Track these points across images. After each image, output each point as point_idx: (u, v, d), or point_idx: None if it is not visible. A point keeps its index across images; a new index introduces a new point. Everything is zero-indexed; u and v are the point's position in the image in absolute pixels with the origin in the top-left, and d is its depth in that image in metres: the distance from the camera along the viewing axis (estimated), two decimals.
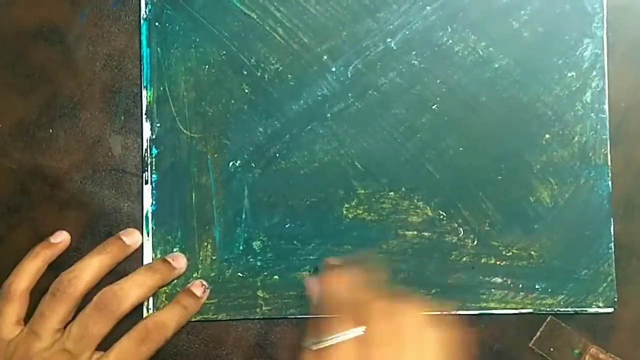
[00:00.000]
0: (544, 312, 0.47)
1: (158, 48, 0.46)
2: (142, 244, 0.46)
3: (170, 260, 0.46)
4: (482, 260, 0.47)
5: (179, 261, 0.46)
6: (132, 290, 0.43)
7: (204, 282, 0.46)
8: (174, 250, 0.46)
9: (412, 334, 0.36)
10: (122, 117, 0.47)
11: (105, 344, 0.43)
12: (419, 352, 0.36)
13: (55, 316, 0.42)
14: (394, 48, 0.47)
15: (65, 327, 0.43)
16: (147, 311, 0.45)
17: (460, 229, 0.47)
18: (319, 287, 0.41)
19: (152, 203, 0.46)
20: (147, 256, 0.46)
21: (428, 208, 0.47)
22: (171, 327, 0.44)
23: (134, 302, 0.43)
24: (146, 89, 0.46)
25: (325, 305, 0.39)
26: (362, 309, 0.37)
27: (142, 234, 0.46)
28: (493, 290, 0.47)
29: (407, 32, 0.47)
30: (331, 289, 0.39)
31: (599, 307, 0.47)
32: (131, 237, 0.46)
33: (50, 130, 0.46)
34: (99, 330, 0.42)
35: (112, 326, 0.42)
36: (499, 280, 0.47)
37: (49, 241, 0.45)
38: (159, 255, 0.46)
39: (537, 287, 0.47)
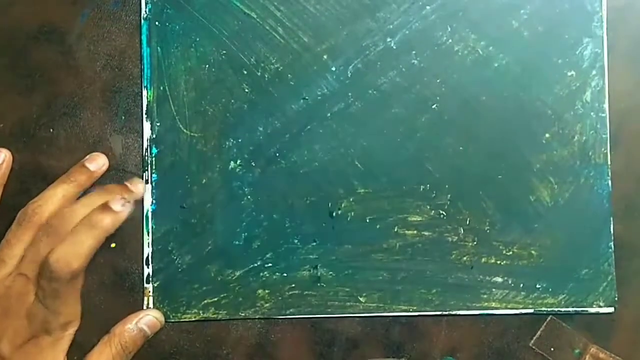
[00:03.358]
0: (545, 312, 0.47)
1: (158, 48, 0.46)
2: (142, 245, 0.46)
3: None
4: (483, 260, 0.47)
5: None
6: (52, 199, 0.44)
7: (126, 195, 0.44)
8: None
9: None
10: (123, 117, 0.47)
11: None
12: None
13: (20, 244, 0.43)
14: (394, 47, 0.47)
15: None
16: (147, 302, 0.46)
17: (461, 228, 0.47)
18: None
19: (152, 202, 0.46)
20: (147, 255, 0.46)
21: (428, 207, 0.47)
22: (81, 255, 0.41)
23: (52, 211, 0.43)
24: (146, 89, 0.46)
25: None
26: None
27: (142, 233, 0.46)
28: (493, 289, 0.47)
29: (407, 32, 0.47)
30: None
31: (600, 306, 0.47)
32: (95, 163, 0.46)
33: (51, 130, 0.47)
34: (44, 250, 0.42)
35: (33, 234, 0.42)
36: (499, 279, 0.47)
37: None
38: (157, 256, 0.46)
39: (537, 286, 0.47)
